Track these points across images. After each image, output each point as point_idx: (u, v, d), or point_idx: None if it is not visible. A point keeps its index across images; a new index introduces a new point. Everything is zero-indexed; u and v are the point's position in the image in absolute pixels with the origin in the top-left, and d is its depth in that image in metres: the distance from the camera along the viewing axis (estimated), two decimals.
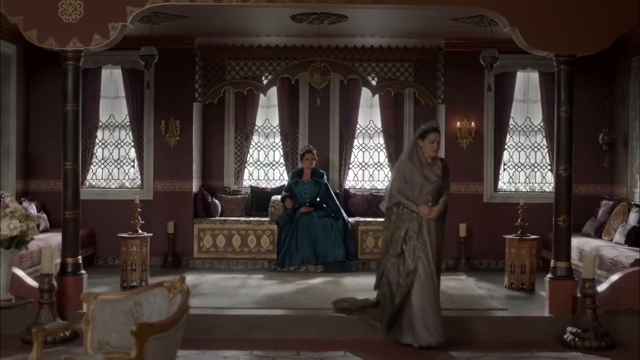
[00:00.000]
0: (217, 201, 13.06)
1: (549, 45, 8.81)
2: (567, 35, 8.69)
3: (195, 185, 13.00)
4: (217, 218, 12.85)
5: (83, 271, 8.98)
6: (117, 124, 13.18)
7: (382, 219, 12.64)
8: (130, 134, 13.09)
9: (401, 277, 8.01)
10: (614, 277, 8.94)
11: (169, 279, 4.88)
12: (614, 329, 8.37)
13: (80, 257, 9.00)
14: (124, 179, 13.22)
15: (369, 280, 11.26)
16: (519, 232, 10.79)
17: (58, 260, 9.12)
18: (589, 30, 8.71)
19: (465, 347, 8.07)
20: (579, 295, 8.47)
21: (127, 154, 13.18)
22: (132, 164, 13.18)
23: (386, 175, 13.73)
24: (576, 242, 10.85)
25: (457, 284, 10.96)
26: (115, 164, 13.22)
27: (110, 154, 13.21)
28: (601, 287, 8.76)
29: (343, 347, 8.09)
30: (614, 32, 8.76)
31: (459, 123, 12.75)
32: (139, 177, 13.04)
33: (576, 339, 8.17)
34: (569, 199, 8.94)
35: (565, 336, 8.30)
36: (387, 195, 8.32)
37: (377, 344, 8.17)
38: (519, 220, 10.82)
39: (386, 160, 13.69)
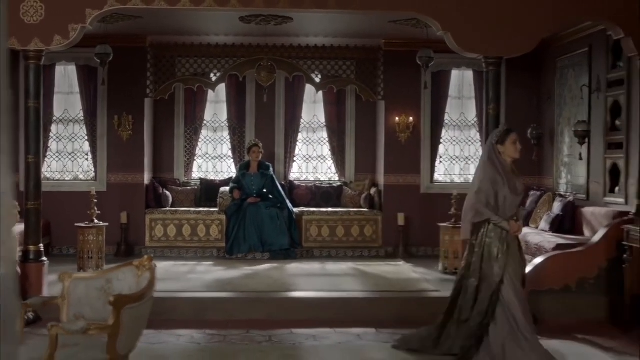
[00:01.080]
0: (168, 192, 13.62)
1: (478, 49, 9.57)
2: (494, 39, 9.45)
3: (146, 178, 13.54)
4: (168, 209, 13.41)
5: (44, 258, 9.51)
6: (71, 118, 13.66)
7: (325, 209, 13.54)
8: (84, 128, 13.58)
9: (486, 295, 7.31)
10: (537, 261, 9.76)
11: (137, 259, 5.53)
12: (536, 307, 9.16)
13: (42, 245, 9.53)
14: (78, 171, 13.71)
15: (313, 266, 12.05)
16: (453, 220, 11.57)
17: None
18: (514, 35, 9.47)
19: (400, 325, 8.78)
20: None
21: (81, 147, 13.67)
22: (86, 157, 13.67)
23: (329, 168, 14.44)
24: None
25: (395, 269, 11.72)
26: (70, 157, 13.69)
27: (65, 147, 13.68)
28: (526, 270, 9.57)
29: (289, 326, 8.75)
30: (536, 37, 9.54)
31: (397, 118, 13.48)
32: (93, 169, 13.53)
33: None
34: None
35: None
36: (471, 210, 7.52)
37: (322, 321, 8.86)
38: (452, 209, 11.60)
39: (329, 153, 14.40)
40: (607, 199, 10.83)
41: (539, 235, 11.10)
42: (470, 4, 9.42)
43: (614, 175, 10.75)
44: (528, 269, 9.62)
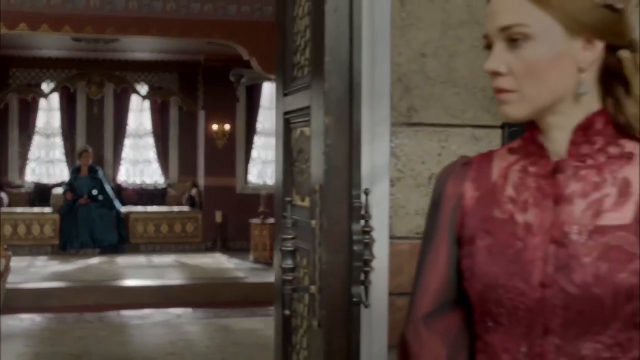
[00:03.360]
0: (3, 194, 14.63)
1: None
2: None
3: None
4: (3, 209, 14.28)
5: None
6: None
7: (151, 208, 14.95)
8: None
9: None
10: None
11: None
12: None
13: None
14: None
15: (139, 259, 13.48)
16: (262, 217, 13.29)
17: None
18: None
19: (213, 306, 10.45)
20: None
21: None
22: None
23: (154, 171, 15.86)
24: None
25: (212, 261, 13.36)
26: None
27: None
28: None
29: (117, 308, 10.26)
30: None
31: (215, 126, 15.04)
32: None
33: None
34: None
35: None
36: None
37: (147, 305, 10.41)
38: (261, 207, 13.32)
39: (154, 157, 15.82)
40: None
41: None
42: (272, 34, 11.10)
43: None
44: None
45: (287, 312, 2.30)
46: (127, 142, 15.67)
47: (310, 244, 2.11)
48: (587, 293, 1.42)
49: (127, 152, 15.72)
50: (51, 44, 13.85)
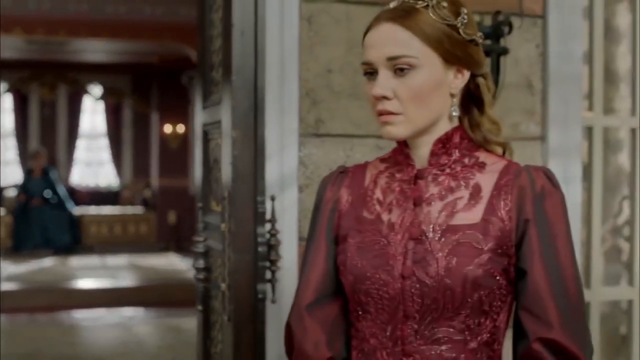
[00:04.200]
0: None
1: None
2: None
3: None
4: None
5: None
6: None
7: (104, 210, 15.03)
8: None
9: None
10: None
11: None
12: None
13: None
14: None
15: (92, 261, 13.55)
16: None
17: None
18: None
19: (165, 306, 10.60)
20: None
21: None
22: None
23: (108, 172, 15.94)
24: None
25: (165, 262, 13.47)
26: None
27: None
28: None
29: (69, 309, 10.37)
30: None
31: (170, 128, 15.17)
32: None
33: None
34: None
35: None
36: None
37: (99, 305, 10.53)
38: None
39: (108, 158, 15.90)
40: None
41: None
42: None
43: None
44: None
45: (199, 307, 2.54)
46: (81, 143, 15.74)
47: (222, 245, 2.33)
48: (440, 283, 1.66)
49: (80, 154, 15.78)
50: (3, 45, 13.85)
